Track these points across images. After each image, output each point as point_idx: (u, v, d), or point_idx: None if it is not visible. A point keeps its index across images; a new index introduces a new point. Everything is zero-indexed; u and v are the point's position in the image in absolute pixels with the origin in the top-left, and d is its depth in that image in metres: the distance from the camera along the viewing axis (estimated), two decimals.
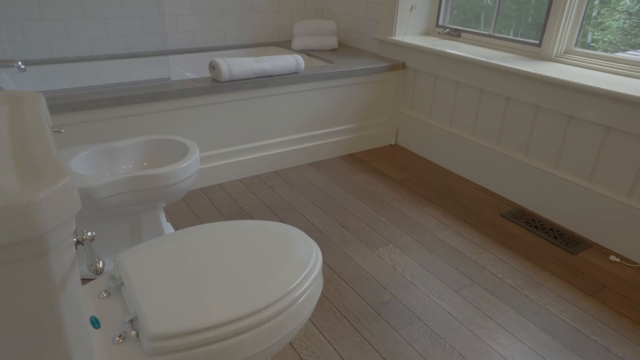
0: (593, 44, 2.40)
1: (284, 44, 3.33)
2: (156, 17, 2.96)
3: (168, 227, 1.93)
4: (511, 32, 2.69)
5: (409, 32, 3.03)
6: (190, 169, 1.73)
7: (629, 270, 1.98)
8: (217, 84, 2.32)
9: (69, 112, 2.02)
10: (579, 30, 2.36)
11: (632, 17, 2.27)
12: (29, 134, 0.80)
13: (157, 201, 1.73)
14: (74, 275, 0.72)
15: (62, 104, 2.00)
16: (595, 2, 2.30)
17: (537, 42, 2.51)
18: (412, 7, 2.96)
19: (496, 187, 2.57)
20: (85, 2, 2.70)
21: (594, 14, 2.37)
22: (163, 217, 1.87)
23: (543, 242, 2.15)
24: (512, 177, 2.47)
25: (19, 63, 2.32)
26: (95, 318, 1.02)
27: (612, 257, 2.04)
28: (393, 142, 3.17)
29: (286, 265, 1.15)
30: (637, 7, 2.22)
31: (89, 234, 0.75)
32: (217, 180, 2.55)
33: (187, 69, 3.09)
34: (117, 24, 2.85)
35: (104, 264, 0.76)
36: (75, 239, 0.73)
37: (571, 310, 1.74)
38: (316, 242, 2.09)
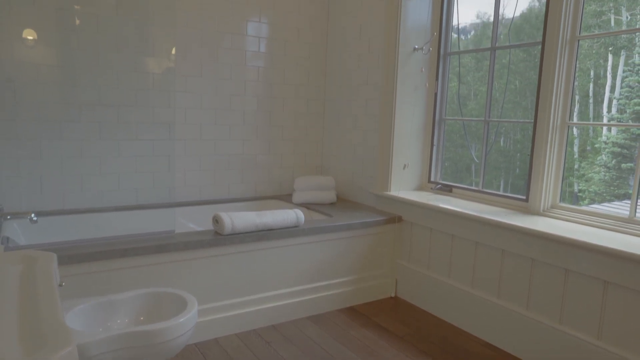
0: (580, 194, 2.53)
1: (285, 198, 3.51)
2: (166, 172, 3.18)
3: None
4: (501, 182, 2.87)
5: (403, 187, 3.23)
6: (186, 325, 1.70)
7: None
8: (220, 237, 2.40)
9: (74, 263, 2.05)
10: (561, 185, 2.52)
11: (610, 170, 2.45)
12: (38, 296, 0.82)
13: (149, 358, 1.65)
14: None
15: (68, 255, 2.04)
16: (575, 157, 2.50)
17: (524, 197, 2.66)
18: (404, 165, 3.20)
19: (501, 343, 2.47)
20: (103, 160, 2.93)
21: (575, 167, 2.55)
22: None
23: None
24: (516, 331, 2.40)
25: (32, 215, 2.43)
26: None
27: None
28: (393, 294, 3.14)
29: None
30: (613, 162, 2.41)
31: None
32: (213, 335, 2.46)
33: (191, 220, 3.21)
34: (129, 178, 3.05)
35: None
36: None
37: None
38: None
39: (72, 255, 2.04)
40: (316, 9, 3.63)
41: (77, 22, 2.78)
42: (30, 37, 2.65)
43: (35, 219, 2.43)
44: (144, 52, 2.98)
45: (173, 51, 3.09)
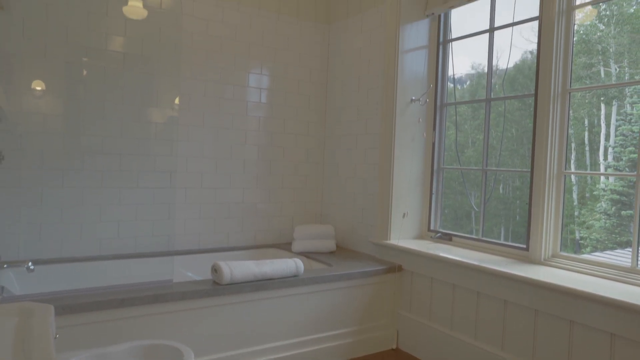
0: (582, 241, 2.51)
1: (284, 246, 3.49)
2: (166, 220, 3.18)
3: None
4: (501, 229, 2.86)
5: (403, 236, 3.22)
6: None
7: None
8: (218, 286, 2.36)
9: (68, 314, 2.01)
10: (561, 234, 2.51)
11: (611, 217, 2.44)
12: (33, 352, 0.81)
13: None
14: None
15: (62, 305, 2.00)
16: (575, 204, 2.50)
17: (525, 246, 2.64)
18: (404, 214, 3.20)
19: None
20: (103, 207, 2.94)
21: (575, 214, 2.54)
22: None
23: None
24: None
25: (29, 264, 2.41)
26: None
27: None
28: (394, 347, 3.05)
29: None
30: (613, 209, 2.41)
31: None
32: None
33: (190, 269, 3.18)
34: (128, 226, 3.04)
35: None
36: None
37: None
38: None
39: (66, 305, 2.01)
40: (316, 62, 3.75)
41: (85, 73, 2.87)
42: (38, 88, 2.74)
43: (32, 267, 2.40)
44: (148, 102, 3.06)
45: (177, 101, 3.17)
